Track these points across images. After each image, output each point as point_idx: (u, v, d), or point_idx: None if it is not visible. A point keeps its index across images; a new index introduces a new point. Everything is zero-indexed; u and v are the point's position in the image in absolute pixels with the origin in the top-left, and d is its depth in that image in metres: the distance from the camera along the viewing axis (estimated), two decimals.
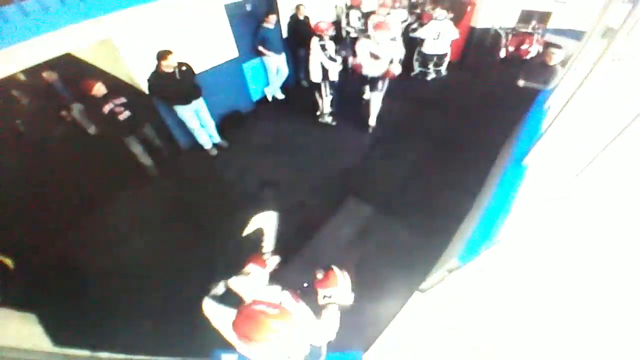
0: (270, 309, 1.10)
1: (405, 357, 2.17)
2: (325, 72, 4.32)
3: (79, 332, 2.57)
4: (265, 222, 1.58)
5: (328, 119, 4.99)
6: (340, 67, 4.40)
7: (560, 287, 1.63)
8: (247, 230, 1.54)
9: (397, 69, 4.10)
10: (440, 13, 5.47)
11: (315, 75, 4.39)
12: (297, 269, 2.81)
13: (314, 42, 4.13)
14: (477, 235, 2.19)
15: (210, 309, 1.37)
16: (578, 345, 1.46)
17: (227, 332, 1.23)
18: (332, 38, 4.27)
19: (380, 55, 4.06)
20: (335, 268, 1.58)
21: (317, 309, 1.52)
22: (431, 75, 6.29)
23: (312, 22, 5.31)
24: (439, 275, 2.34)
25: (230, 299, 1.41)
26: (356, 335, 2.44)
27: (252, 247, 1.55)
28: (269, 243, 1.58)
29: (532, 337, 1.61)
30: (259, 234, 1.59)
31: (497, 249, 1.98)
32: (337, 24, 6.03)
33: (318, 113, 5.02)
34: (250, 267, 1.54)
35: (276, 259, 1.66)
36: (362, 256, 3.06)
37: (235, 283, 1.47)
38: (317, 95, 4.73)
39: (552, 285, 1.65)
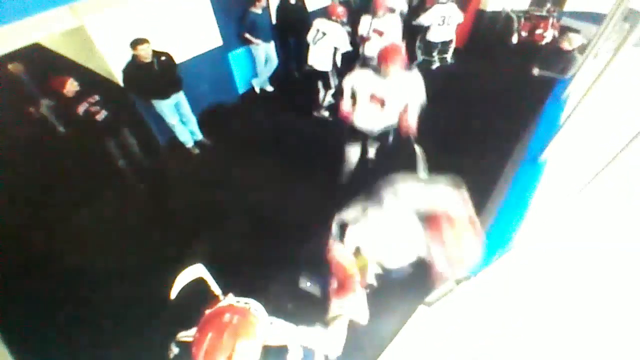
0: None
1: None
2: (334, 59, 4.31)
3: (48, 352, 2.52)
4: (196, 274, 1.56)
5: (325, 113, 4.94)
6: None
7: (581, 300, 1.57)
8: (175, 290, 1.51)
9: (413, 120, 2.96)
10: None
11: (325, 63, 4.35)
12: (287, 281, 2.76)
13: (334, 28, 4.11)
14: (489, 242, 2.13)
15: None
16: None
17: None
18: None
19: (387, 99, 2.84)
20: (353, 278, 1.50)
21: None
22: (436, 64, 6.22)
23: (308, 6, 5.32)
24: (446, 286, 2.29)
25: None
26: (357, 353, 2.38)
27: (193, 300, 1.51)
28: (215, 287, 1.56)
29: (549, 355, 1.56)
30: (196, 285, 1.56)
31: (511, 257, 1.94)
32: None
33: (316, 105, 4.97)
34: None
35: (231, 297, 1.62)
36: None
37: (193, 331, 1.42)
38: (320, 85, 4.69)
39: (572, 299, 1.60)
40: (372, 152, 3.67)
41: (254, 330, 1.04)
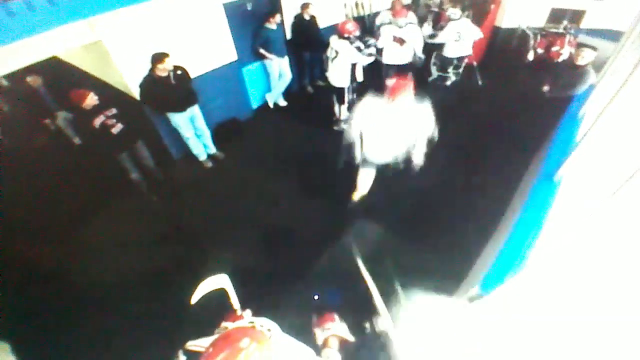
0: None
1: None
2: (352, 74, 4.42)
3: None
4: (218, 284, 1.60)
5: (344, 127, 5.01)
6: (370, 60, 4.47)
7: (596, 320, 1.56)
8: (196, 297, 1.55)
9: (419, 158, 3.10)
10: (453, 12, 5.52)
11: (341, 80, 4.47)
12: (299, 295, 2.78)
13: (344, 46, 4.22)
14: (502, 261, 2.14)
15: None
16: None
17: None
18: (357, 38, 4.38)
19: (396, 130, 2.91)
20: (332, 312, 1.70)
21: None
22: (450, 80, 6.31)
23: (319, 22, 5.45)
24: (457, 305, 2.28)
25: None
26: None
27: (210, 312, 1.55)
28: (235, 300, 1.60)
29: None
30: (216, 296, 1.60)
31: (524, 277, 1.93)
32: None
33: (334, 119, 5.07)
34: (227, 324, 1.54)
35: (249, 313, 1.67)
36: (373, 281, 3.00)
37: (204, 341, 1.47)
38: (335, 100, 4.80)
39: (586, 318, 1.59)
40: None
41: (267, 358, 1.06)
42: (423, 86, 6.03)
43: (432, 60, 6.23)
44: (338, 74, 4.44)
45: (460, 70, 6.30)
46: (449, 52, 5.83)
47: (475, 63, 6.29)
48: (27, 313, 2.97)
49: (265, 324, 1.24)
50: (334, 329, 1.58)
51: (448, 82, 6.33)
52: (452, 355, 2.19)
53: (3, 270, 3.21)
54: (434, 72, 6.38)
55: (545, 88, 4.08)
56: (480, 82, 6.30)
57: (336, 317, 1.66)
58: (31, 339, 2.71)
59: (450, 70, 6.18)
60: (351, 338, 1.61)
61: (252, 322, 1.22)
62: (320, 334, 1.59)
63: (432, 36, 5.93)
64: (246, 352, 1.02)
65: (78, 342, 2.73)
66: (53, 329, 2.85)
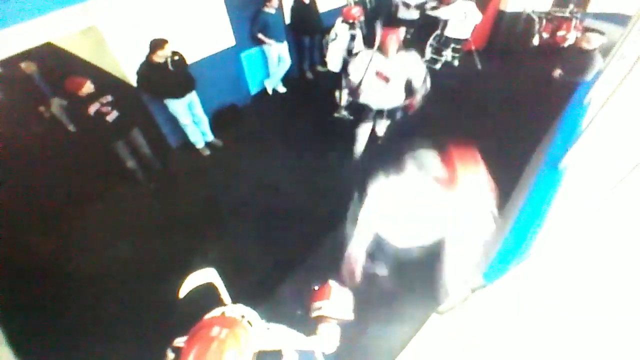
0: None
1: None
2: (346, 62, 4.31)
3: (53, 353, 2.57)
4: (206, 279, 1.58)
5: (344, 113, 5.00)
6: None
7: (598, 310, 1.56)
8: (184, 291, 1.53)
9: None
10: None
11: (334, 65, 4.42)
12: (298, 283, 2.82)
13: (342, 30, 4.17)
14: (506, 250, 2.14)
15: None
16: None
17: None
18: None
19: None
20: (332, 282, 1.66)
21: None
22: (440, 63, 6.16)
23: (320, 6, 5.35)
24: (460, 295, 2.29)
25: None
26: None
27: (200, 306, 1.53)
28: (225, 294, 1.58)
29: None
30: (209, 289, 1.58)
31: (528, 266, 1.93)
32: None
33: (335, 104, 5.03)
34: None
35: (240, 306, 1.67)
36: (374, 273, 3.02)
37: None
38: (336, 84, 4.76)
39: (589, 308, 1.59)
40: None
41: (242, 343, 1.05)
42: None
43: (430, 41, 6.07)
44: (334, 58, 4.39)
45: (458, 54, 6.18)
46: (451, 31, 5.66)
47: (473, 48, 6.18)
48: (21, 303, 2.98)
49: (237, 310, 1.22)
50: (325, 309, 1.57)
51: (438, 65, 6.15)
52: (454, 343, 2.21)
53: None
54: (427, 54, 6.18)
55: (557, 73, 4.02)
56: (479, 67, 6.21)
57: (334, 291, 1.62)
58: (25, 329, 2.71)
59: (445, 52, 6.03)
60: (348, 317, 1.60)
61: (222, 311, 1.21)
62: (312, 311, 1.60)
63: (433, 8, 5.81)
64: (218, 340, 1.01)
65: (68, 333, 2.75)
66: (46, 319, 2.87)
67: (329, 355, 1.55)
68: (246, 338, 1.08)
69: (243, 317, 1.18)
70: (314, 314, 1.59)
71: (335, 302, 1.59)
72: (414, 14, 6.12)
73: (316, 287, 1.66)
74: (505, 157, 3.99)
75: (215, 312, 1.24)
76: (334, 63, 4.43)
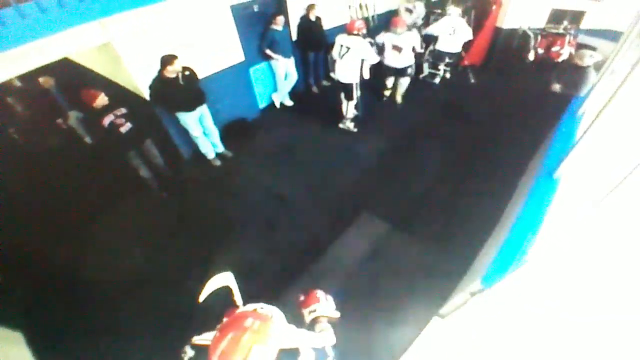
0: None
1: None
2: (361, 72, 4.60)
3: (70, 355, 2.62)
4: (224, 282, 1.65)
5: (350, 125, 5.11)
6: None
7: (595, 315, 1.60)
8: (204, 295, 1.59)
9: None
10: (453, 10, 5.60)
11: (351, 76, 4.56)
12: (303, 288, 2.83)
13: (356, 41, 4.34)
14: (503, 255, 2.18)
15: None
16: None
17: None
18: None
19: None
20: (315, 290, 1.76)
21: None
22: (439, 77, 6.40)
23: (324, 24, 5.50)
24: (460, 299, 2.32)
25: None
26: None
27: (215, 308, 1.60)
28: (238, 297, 1.65)
29: None
30: (222, 293, 1.65)
31: (525, 271, 1.96)
32: None
33: (340, 117, 5.15)
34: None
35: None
36: (376, 278, 3.06)
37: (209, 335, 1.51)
38: (342, 97, 4.88)
39: (585, 313, 1.62)
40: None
41: (272, 337, 1.10)
42: (415, 83, 6.15)
43: (425, 56, 6.30)
44: (347, 70, 4.50)
45: (449, 68, 6.39)
46: (442, 45, 5.87)
47: (467, 63, 6.41)
48: (40, 307, 3.05)
49: (268, 309, 1.28)
50: (320, 310, 1.65)
51: (437, 80, 6.40)
52: (455, 346, 2.23)
53: (19, 265, 3.30)
54: (426, 69, 6.49)
55: (556, 86, 4.11)
56: (472, 81, 6.42)
57: (321, 295, 1.72)
58: (45, 331, 2.78)
59: (441, 66, 6.24)
60: (337, 315, 1.68)
61: (254, 308, 1.27)
62: (307, 315, 1.67)
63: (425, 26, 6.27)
64: (251, 329, 1.06)
65: (86, 336, 2.80)
66: (65, 322, 2.92)
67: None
68: (274, 334, 1.12)
69: (270, 313, 1.24)
70: (310, 317, 1.65)
71: (325, 303, 1.69)
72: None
73: (302, 297, 1.76)
74: (502, 166, 4.09)
75: (248, 307, 1.31)
76: (348, 75, 4.59)
